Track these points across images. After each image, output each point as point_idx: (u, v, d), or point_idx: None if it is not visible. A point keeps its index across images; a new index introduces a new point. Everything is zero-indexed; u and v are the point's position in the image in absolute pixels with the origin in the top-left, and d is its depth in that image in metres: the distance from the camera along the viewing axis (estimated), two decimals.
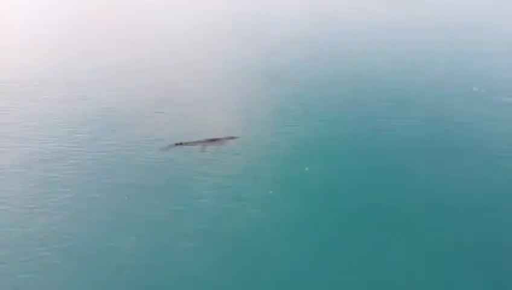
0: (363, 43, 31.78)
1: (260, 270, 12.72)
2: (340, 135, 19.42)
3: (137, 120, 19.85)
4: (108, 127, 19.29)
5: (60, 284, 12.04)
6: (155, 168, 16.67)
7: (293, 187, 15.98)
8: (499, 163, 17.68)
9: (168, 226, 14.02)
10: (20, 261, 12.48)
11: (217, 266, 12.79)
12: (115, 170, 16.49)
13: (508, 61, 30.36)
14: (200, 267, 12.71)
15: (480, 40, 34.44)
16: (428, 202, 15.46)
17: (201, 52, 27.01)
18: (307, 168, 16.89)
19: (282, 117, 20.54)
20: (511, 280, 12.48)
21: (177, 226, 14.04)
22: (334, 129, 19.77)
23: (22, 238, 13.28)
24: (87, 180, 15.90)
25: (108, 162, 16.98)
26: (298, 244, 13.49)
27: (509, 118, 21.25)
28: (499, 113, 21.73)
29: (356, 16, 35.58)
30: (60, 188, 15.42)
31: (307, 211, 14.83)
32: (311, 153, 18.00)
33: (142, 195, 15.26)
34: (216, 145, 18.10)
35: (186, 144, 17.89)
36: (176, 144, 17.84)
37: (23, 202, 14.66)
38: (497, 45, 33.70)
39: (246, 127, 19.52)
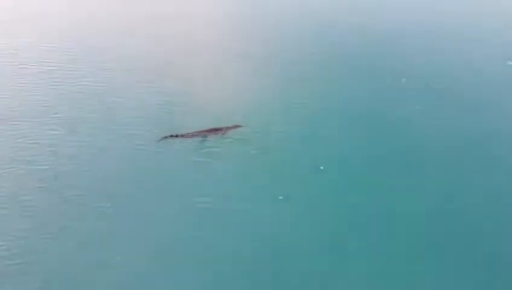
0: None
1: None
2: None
3: (125, 105, 17.31)
4: (89, 113, 16.81)
5: None
6: (144, 164, 14.46)
7: (306, 191, 13.82)
8: None
9: (157, 236, 12.11)
10: None
11: (217, 282, 11.07)
12: (94, 169, 14.18)
13: None
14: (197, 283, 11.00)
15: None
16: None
17: (201, 35, 23.70)
18: (321, 167, 14.65)
19: (292, 101, 17.94)
20: None
21: (169, 236, 12.15)
22: (350, 117, 17.22)
23: None
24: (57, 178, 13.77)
25: (87, 156, 14.66)
26: (314, 265, 11.54)
27: None
28: None
29: None
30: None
31: (326, 224, 12.73)
32: (325, 145, 15.66)
33: (128, 200, 13.12)
34: (218, 135, 15.76)
35: (182, 135, 15.53)
36: (171, 136, 15.49)
37: None
38: None
39: (252, 113, 16.99)
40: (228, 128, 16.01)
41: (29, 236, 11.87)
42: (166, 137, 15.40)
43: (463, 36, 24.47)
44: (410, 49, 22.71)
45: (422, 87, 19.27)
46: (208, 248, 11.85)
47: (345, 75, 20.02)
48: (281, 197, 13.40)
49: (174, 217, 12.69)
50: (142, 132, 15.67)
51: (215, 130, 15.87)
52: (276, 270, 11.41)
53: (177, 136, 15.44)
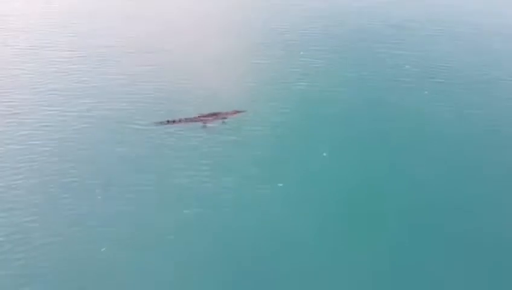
0: None
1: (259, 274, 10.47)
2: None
3: (126, 92, 16.62)
4: (89, 97, 16.22)
5: None
6: (142, 149, 13.85)
7: (308, 178, 13.22)
8: None
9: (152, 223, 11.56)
10: None
11: (214, 263, 10.66)
12: (93, 155, 13.56)
13: None
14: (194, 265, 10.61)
15: None
16: None
17: (200, 20, 23.17)
18: (324, 154, 14.05)
19: (293, 86, 17.32)
20: None
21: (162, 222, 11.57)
22: (352, 103, 16.60)
23: None
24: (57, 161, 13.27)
25: (86, 141, 14.15)
26: (310, 255, 10.99)
27: None
28: None
29: None
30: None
31: (326, 209, 12.16)
32: (327, 131, 15.05)
33: (125, 183, 12.59)
34: (218, 121, 15.19)
35: (180, 121, 14.93)
36: (168, 121, 14.87)
37: None
38: None
39: (253, 99, 16.37)
40: (228, 113, 15.47)
41: (15, 208, 11.64)
42: (162, 122, 14.77)
43: None
44: None
45: None
46: (203, 230, 11.43)
47: (348, 61, 19.38)
48: (280, 185, 12.90)
49: (167, 201, 12.21)
50: (139, 117, 15.14)
51: (215, 115, 15.33)
52: (274, 254, 10.97)
53: (174, 121, 14.87)
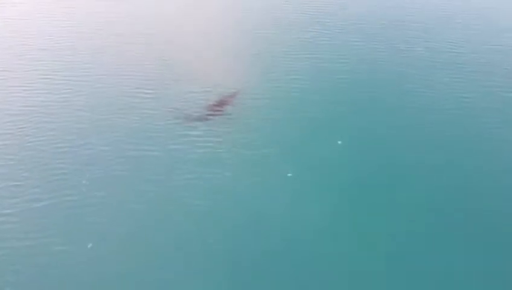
0: None
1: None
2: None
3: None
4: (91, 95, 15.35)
5: None
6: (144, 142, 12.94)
7: (320, 166, 12.01)
8: None
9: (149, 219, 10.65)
10: None
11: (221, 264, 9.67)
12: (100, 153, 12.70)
13: None
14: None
15: None
16: None
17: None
18: (339, 142, 12.75)
19: (306, 71, 16.12)
20: None
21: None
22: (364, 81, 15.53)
23: None
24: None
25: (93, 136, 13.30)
26: (325, 250, 9.85)
27: None
28: None
29: None
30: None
31: (342, 205, 11.03)
32: (342, 119, 13.89)
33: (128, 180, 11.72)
34: (223, 108, 14.14)
35: (189, 117, 13.86)
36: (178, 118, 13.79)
37: None
38: None
39: (262, 83, 15.35)
40: (235, 98, 14.40)
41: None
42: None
43: None
44: None
45: None
46: (212, 222, 10.53)
47: (362, 44, 18.13)
48: (289, 174, 11.69)
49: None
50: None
51: (219, 104, 14.24)
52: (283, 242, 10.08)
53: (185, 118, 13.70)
